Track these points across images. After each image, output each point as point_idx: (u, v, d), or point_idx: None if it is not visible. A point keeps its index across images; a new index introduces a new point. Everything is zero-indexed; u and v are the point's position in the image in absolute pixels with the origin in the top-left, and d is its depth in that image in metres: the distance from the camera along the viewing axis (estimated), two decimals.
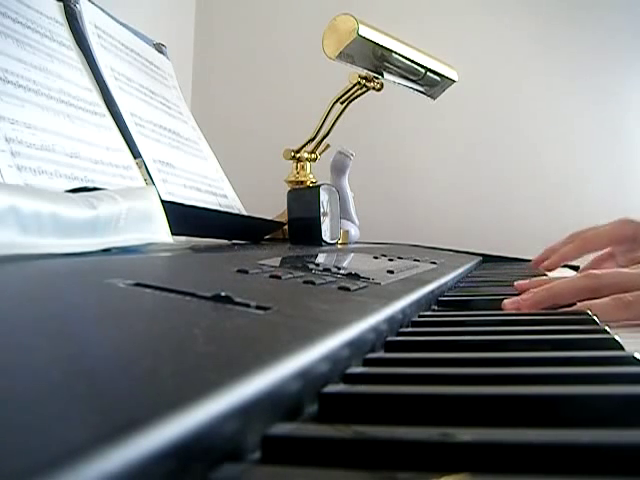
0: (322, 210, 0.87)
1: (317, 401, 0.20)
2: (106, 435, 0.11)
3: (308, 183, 1.02)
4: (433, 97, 1.10)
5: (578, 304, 0.45)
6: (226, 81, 1.60)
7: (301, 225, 0.87)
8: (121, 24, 0.78)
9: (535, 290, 0.48)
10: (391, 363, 0.28)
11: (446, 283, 0.59)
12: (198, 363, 0.17)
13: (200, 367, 0.17)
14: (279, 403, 0.18)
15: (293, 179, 1.03)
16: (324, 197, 0.89)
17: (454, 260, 0.88)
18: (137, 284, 0.27)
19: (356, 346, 0.26)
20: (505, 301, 0.48)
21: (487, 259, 1.16)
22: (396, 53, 0.94)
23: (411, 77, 1.02)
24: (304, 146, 1.02)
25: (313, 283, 0.37)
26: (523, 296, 0.48)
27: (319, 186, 0.89)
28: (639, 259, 0.70)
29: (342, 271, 0.46)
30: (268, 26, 1.59)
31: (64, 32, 0.64)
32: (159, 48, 0.88)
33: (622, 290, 0.45)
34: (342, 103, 1.01)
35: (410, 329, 0.37)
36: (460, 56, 1.24)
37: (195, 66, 1.60)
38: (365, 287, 0.40)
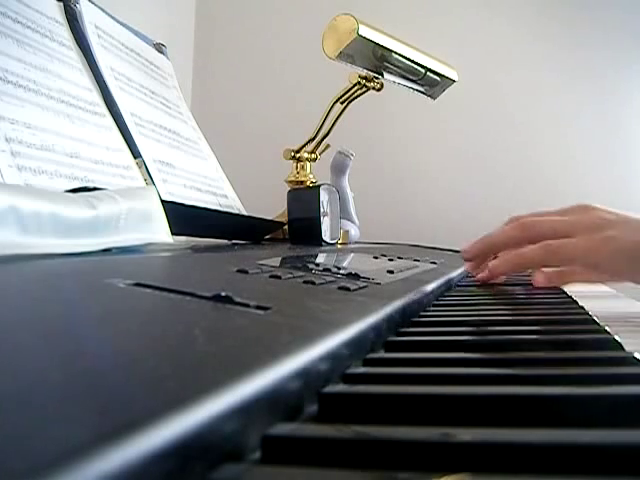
0: (322, 210, 0.87)
1: (317, 401, 0.20)
2: (106, 435, 0.11)
3: (308, 183, 1.02)
4: (433, 97, 1.10)
5: (512, 252, 0.50)
6: (226, 81, 1.60)
7: (301, 225, 0.87)
8: (121, 24, 0.78)
9: (474, 243, 0.56)
10: (391, 363, 0.28)
11: (446, 283, 0.59)
12: (198, 363, 0.17)
13: (200, 367, 0.17)
14: (279, 403, 0.18)
15: (293, 179, 1.03)
16: (324, 197, 0.89)
17: (454, 260, 0.88)
18: (137, 284, 0.27)
19: (356, 346, 0.26)
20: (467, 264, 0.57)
21: None
22: (396, 53, 0.94)
23: (411, 77, 1.02)
24: (304, 146, 1.02)
25: (313, 283, 0.37)
26: (467, 257, 0.56)
27: (319, 186, 0.89)
28: None
29: (342, 271, 0.45)
30: (268, 26, 1.59)
31: (64, 32, 0.64)
32: (159, 48, 0.88)
33: (551, 237, 0.51)
34: (342, 103, 1.01)
35: (410, 329, 0.37)
36: (460, 56, 1.24)
37: (195, 66, 1.60)
38: (365, 287, 0.39)
